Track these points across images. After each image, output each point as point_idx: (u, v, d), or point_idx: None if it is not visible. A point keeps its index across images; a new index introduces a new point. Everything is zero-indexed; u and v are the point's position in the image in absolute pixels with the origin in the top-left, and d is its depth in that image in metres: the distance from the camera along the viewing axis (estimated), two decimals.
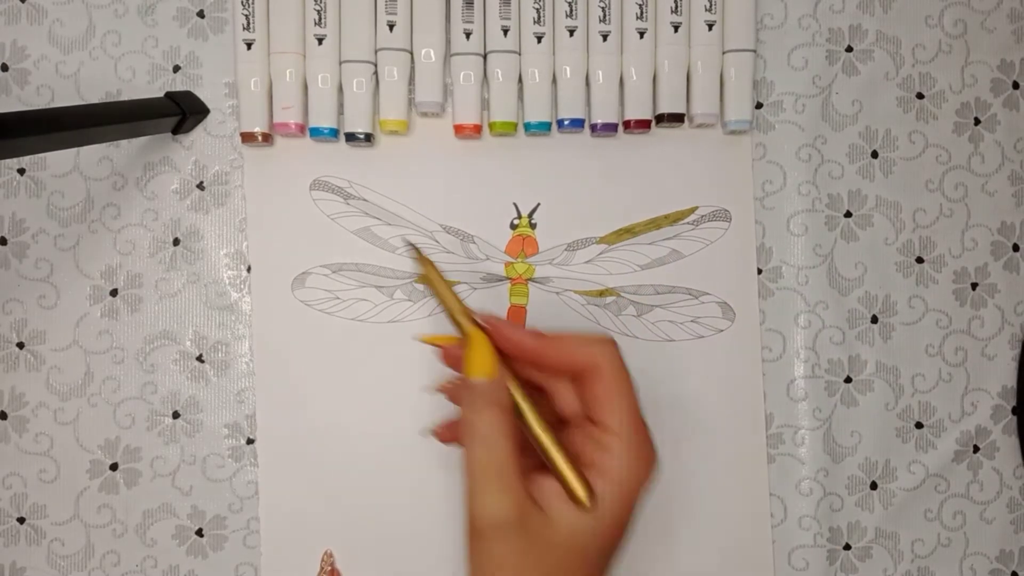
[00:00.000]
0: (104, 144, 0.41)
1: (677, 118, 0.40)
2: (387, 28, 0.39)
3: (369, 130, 0.40)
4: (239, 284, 0.41)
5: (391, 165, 0.40)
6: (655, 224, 0.41)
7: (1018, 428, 0.42)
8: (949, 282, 0.42)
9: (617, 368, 0.30)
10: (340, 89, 0.40)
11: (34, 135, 0.31)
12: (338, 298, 0.41)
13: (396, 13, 0.39)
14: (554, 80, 0.40)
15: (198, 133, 0.41)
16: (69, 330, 0.41)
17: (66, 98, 0.41)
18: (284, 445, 0.40)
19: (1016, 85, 0.42)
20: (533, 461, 0.29)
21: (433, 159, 0.41)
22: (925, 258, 0.42)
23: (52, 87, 0.41)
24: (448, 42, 0.40)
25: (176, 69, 0.41)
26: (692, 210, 0.41)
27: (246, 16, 0.39)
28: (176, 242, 0.41)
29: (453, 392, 0.33)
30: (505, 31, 0.39)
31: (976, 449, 0.42)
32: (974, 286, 0.42)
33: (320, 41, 0.39)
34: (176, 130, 0.40)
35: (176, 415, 0.41)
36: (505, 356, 0.30)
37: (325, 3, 0.39)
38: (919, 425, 0.42)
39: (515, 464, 0.28)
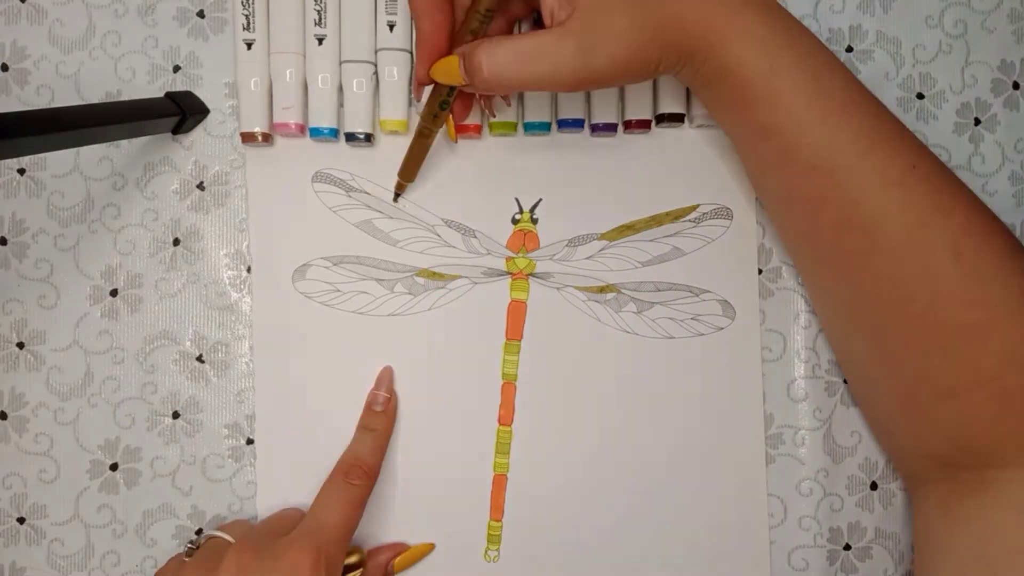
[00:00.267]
0: (104, 144, 0.41)
1: (677, 118, 0.40)
2: (387, 28, 0.39)
3: (369, 130, 0.40)
4: (239, 284, 0.41)
5: (391, 165, 0.40)
6: (656, 221, 0.41)
7: None
8: None
9: None
10: (340, 89, 0.40)
11: (34, 135, 0.31)
12: (339, 291, 0.41)
13: (396, 13, 0.39)
14: None
15: (198, 133, 0.41)
16: (69, 330, 0.41)
17: (66, 98, 0.41)
18: (283, 445, 0.40)
19: (1016, 85, 0.42)
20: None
21: (434, 158, 0.41)
22: None
23: (52, 87, 0.41)
24: None
25: (176, 69, 0.41)
26: (694, 207, 0.41)
27: (246, 16, 0.39)
28: (176, 242, 0.41)
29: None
30: None
31: None
32: None
33: (320, 41, 0.39)
34: (176, 130, 0.40)
35: (176, 415, 0.41)
36: None
37: (325, 3, 0.39)
38: None
39: None
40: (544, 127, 0.40)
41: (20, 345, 0.41)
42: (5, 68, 0.41)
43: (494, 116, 0.39)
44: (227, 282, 0.41)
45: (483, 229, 0.41)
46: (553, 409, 0.41)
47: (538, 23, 0.34)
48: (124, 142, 0.41)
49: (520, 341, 0.41)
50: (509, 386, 0.41)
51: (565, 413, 0.41)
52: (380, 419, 0.39)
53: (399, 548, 0.40)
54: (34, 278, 0.41)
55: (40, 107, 0.39)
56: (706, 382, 0.41)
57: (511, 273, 0.41)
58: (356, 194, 0.41)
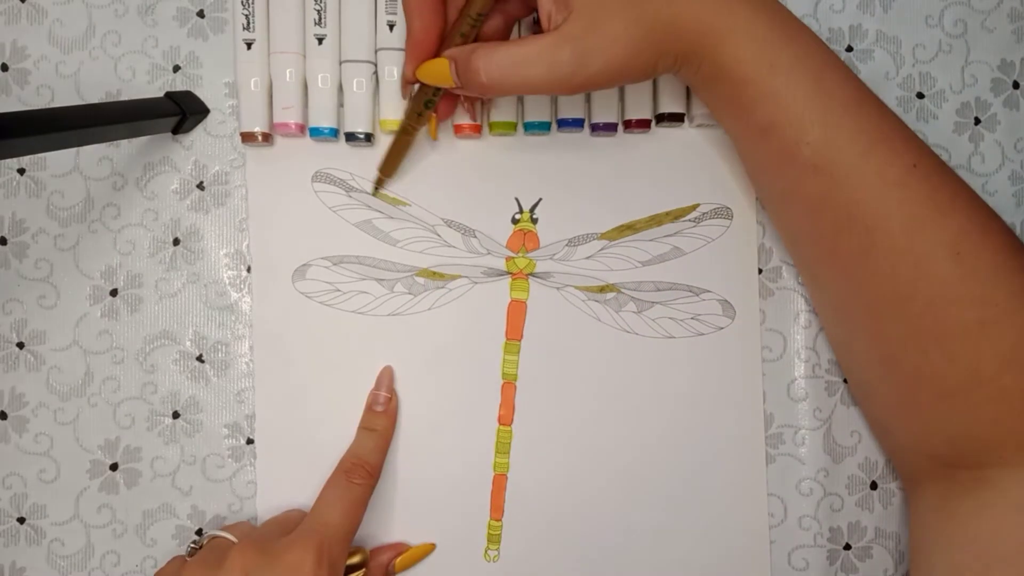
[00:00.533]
0: (104, 144, 0.41)
1: (677, 118, 0.40)
2: (387, 28, 0.39)
3: (369, 130, 0.40)
4: (239, 284, 0.41)
5: None
6: (656, 220, 0.41)
7: None
8: None
9: None
10: (340, 89, 0.40)
11: (34, 135, 0.31)
12: (339, 290, 0.41)
13: (396, 13, 0.39)
14: None
15: (198, 133, 0.41)
16: (69, 330, 0.41)
17: (66, 98, 0.41)
18: (284, 445, 0.40)
19: (1016, 85, 0.42)
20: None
21: (434, 158, 0.41)
22: None
23: (52, 87, 0.41)
24: None
25: (176, 69, 0.41)
26: (694, 207, 0.41)
27: (246, 16, 0.39)
28: (176, 242, 0.41)
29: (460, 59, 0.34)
30: None
31: None
32: None
33: (320, 41, 0.39)
34: (176, 130, 0.40)
35: (176, 415, 0.41)
36: None
37: (325, 3, 0.39)
38: None
39: None
40: (544, 127, 0.40)
41: (20, 345, 0.41)
42: (5, 68, 0.41)
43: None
44: (227, 282, 0.41)
45: (483, 229, 0.41)
46: (553, 409, 0.41)
47: (538, 23, 0.34)
48: (124, 142, 0.41)
49: (520, 341, 0.41)
50: (509, 386, 0.41)
51: (565, 413, 0.41)
52: (381, 419, 0.39)
53: (400, 548, 0.40)
54: (34, 278, 0.41)
55: (40, 107, 0.39)
56: (706, 382, 0.41)
57: (511, 273, 0.41)
58: (356, 194, 0.41)
